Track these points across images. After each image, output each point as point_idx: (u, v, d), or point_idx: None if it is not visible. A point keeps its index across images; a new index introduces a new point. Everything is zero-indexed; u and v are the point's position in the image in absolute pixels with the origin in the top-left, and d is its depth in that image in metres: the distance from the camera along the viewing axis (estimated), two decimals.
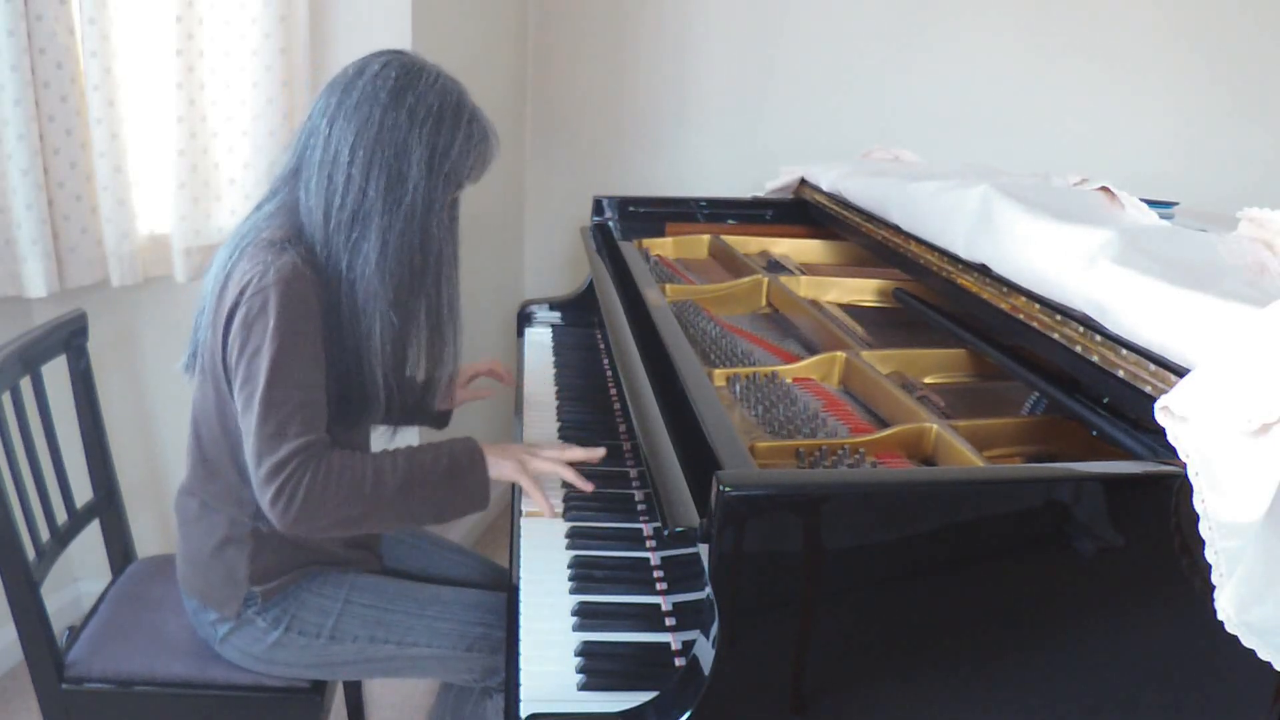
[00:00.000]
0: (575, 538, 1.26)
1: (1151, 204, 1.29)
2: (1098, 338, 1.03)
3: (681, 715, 0.84)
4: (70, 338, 1.49)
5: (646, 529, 1.29)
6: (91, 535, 1.57)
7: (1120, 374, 0.99)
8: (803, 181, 2.21)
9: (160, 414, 2.19)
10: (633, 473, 1.44)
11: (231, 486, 1.25)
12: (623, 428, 1.56)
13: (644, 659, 1.03)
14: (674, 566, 1.17)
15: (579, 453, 1.25)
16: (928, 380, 1.35)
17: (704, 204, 2.18)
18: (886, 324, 1.60)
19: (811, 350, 1.44)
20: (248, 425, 1.11)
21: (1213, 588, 0.81)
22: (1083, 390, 1.09)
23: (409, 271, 1.20)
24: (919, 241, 1.51)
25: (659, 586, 1.17)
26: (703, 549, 0.87)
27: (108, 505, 1.57)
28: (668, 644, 1.06)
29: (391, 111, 1.14)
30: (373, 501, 1.12)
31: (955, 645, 0.89)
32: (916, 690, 0.89)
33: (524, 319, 2.07)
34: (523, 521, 1.31)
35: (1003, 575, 0.88)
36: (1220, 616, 0.80)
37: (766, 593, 0.84)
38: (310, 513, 1.09)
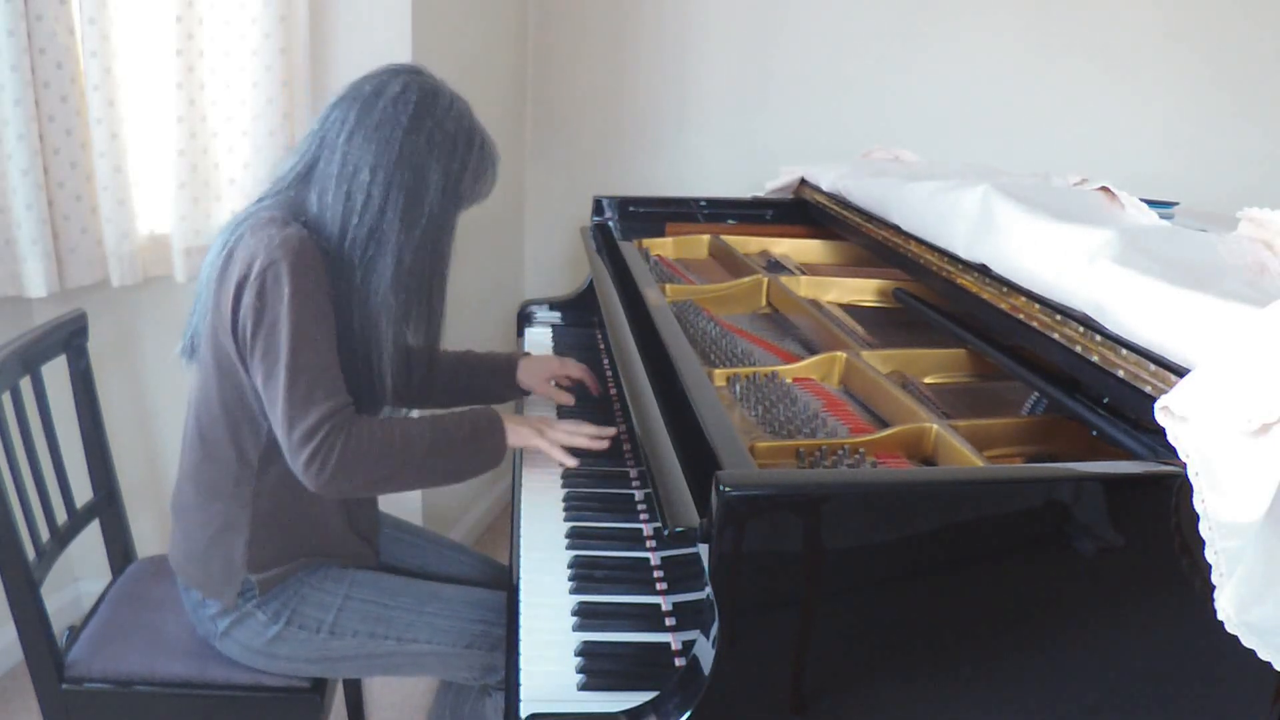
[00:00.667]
0: (575, 538, 1.26)
1: (1151, 204, 1.29)
2: (1098, 338, 1.03)
3: (681, 715, 0.84)
4: (70, 338, 1.49)
5: (646, 529, 1.29)
6: (91, 535, 1.57)
7: (1120, 374, 0.99)
8: (803, 181, 2.21)
9: (160, 414, 2.19)
10: (633, 473, 1.44)
11: (229, 470, 1.25)
12: (623, 427, 1.56)
13: (644, 659, 1.03)
14: (674, 566, 1.17)
15: (591, 429, 1.34)
16: (928, 380, 1.35)
17: (704, 204, 2.18)
18: (886, 324, 1.60)
19: (811, 350, 1.44)
20: (273, 394, 1.14)
21: (1213, 588, 0.81)
22: (1083, 390, 1.09)
23: (418, 286, 1.26)
24: (919, 241, 1.51)
25: (659, 586, 1.17)
26: (703, 549, 0.87)
27: (108, 505, 1.57)
28: (668, 644, 1.06)
29: (411, 136, 1.19)
30: (401, 462, 1.18)
31: (955, 645, 0.89)
32: (916, 690, 0.89)
33: (524, 319, 2.08)
34: (523, 513, 1.31)
35: (1003, 575, 0.88)
36: (1220, 616, 0.80)
37: (766, 593, 0.84)
38: (344, 474, 1.14)
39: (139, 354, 2.13)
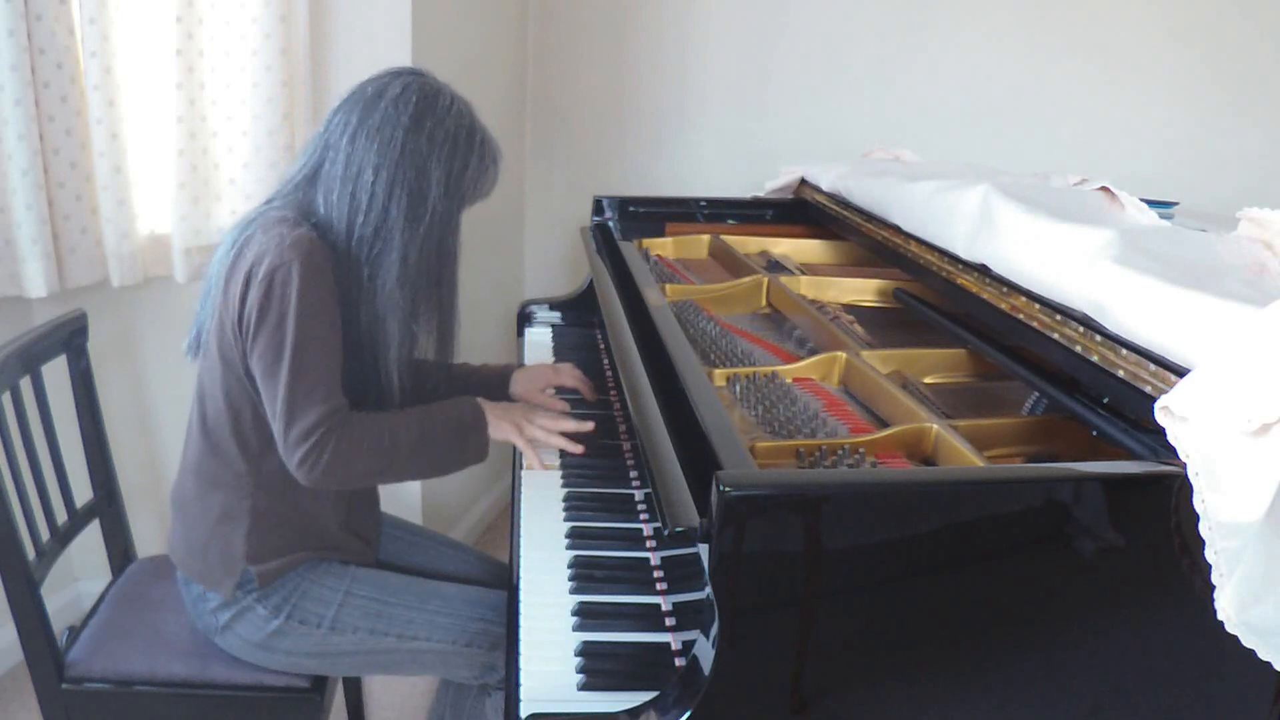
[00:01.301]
0: (575, 538, 1.26)
1: (1151, 204, 1.30)
2: (1098, 338, 1.03)
3: (681, 715, 0.84)
4: (70, 338, 1.49)
5: (646, 529, 1.29)
6: (91, 535, 1.57)
7: (1120, 374, 0.99)
8: (803, 181, 2.21)
9: (160, 414, 2.19)
10: (633, 473, 1.44)
11: (231, 461, 1.26)
12: (623, 428, 1.56)
13: (644, 659, 1.03)
14: (674, 566, 1.17)
15: (570, 424, 1.38)
16: (928, 380, 1.35)
17: (704, 204, 2.18)
18: (886, 324, 1.60)
19: (811, 350, 1.44)
20: (273, 390, 1.16)
21: (1213, 588, 0.81)
22: (1083, 390, 1.09)
23: (425, 282, 1.27)
24: (919, 241, 1.51)
25: (659, 586, 1.17)
26: (703, 549, 0.87)
27: (108, 505, 1.57)
28: (668, 644, 1.06)
29: (413, 135, 1.21)
30: (389, 459, 1.22)
31: (955, 645, 0.89)
32: (916, 690, 0.89)
33: (524, 319, 2.08)
34: (523, 512, 1.32)
35: (1003, 575, 0.88)
36: (1220, 616, 0.80)
37: (766, 593, 0.84)
38: (334, 472, 1.18)
39: (139, 354, 2.13)
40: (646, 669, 1.01)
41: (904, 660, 0.88)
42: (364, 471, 1.22)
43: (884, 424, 1.19)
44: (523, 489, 1.40)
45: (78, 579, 2.20)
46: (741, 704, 0.86)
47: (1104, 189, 1.35)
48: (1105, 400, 1.04)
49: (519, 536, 1.28)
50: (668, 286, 1.66)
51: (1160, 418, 0.86)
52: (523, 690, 0.98)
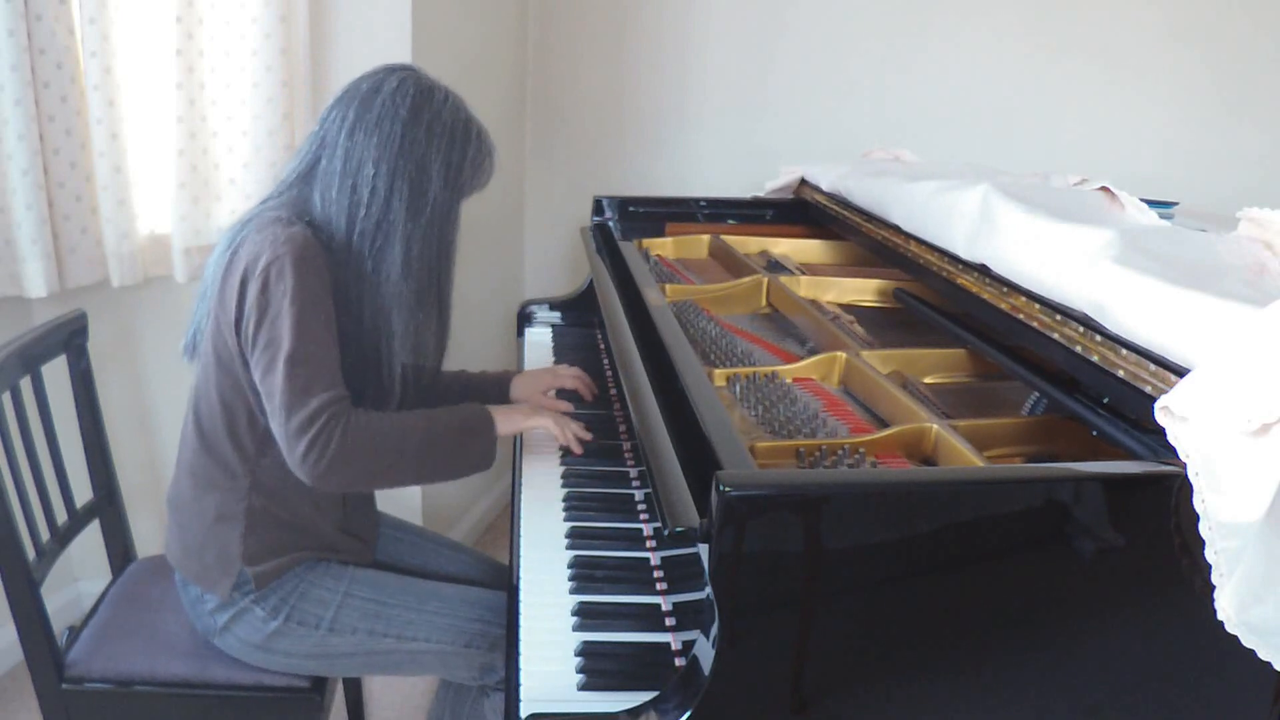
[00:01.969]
0: (575, 538, 1.26)
1: (1151, 204, 1.30)
2: (1098, 338, 1.03)
3: (681, 715, 0.84)
4: (70, 338, 1.49)
5: (646, 529, 1.29)
6: (91, 535, 1.57)
7: (1120, 374, 0.99)
8: (803, 181, 2.21)
9: (160, 414, 2.19)
10: (633, 473, 1.44)
11: (226, 463, 1.26)
12: (623, 428, 1.56)
13: (644, 659, 1.03)
14: (674, 566, 1.17)
15: (576, 427, 1.40)
16: (928, 380, 1.35)
17: (704, 204, 2.18)
18: (886, 324, 1.60)
19: (811, 350, 1.44)
20: (271, 385, 1.15)
21: (1213, 588, 0.81)
22: (1083, 390, 1.09)
23: (427, 274, 1.28)
24: (919, 241, 1.51)
25: (659, 586, 1.17)
26: (703, 549, 0.87)
27: (108, 505, 1.57)
28: (668, 644, 1.06)
29: (412, 128, 1.22)
30: (395, 457, 1.20)
31: (955, 645, 0.89)
32: (916, 690, 0.89)
33: (524, 319, 2.08)
34: (523, 513, 1.32)
35: (1003, 575, 0.88)
36: (1220, 616, 0.80)
37: (766, 593, 0.84)
38: (339, 467, 1.15)
39: (139, 354, 2.13)
40: (646, 669, 1.01)
41: (904, 660, 0.88)
42: (368, 471, 1.20)
43: (884, 424, 1.19)
44: (523, 489, 1.40)
45: (78, 579, 2.20)
46: (741, 704, 0.86)
47: (1104, 189, 1.35)
48: (1105, 400, 1.04)
49: (519, 536, 1.28)
50: (668, 286, 1.66)
51: (1160, 418, 0.86)
52: (523, 690, 0.98)
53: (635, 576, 1.19)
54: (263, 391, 1.18)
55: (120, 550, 1.59)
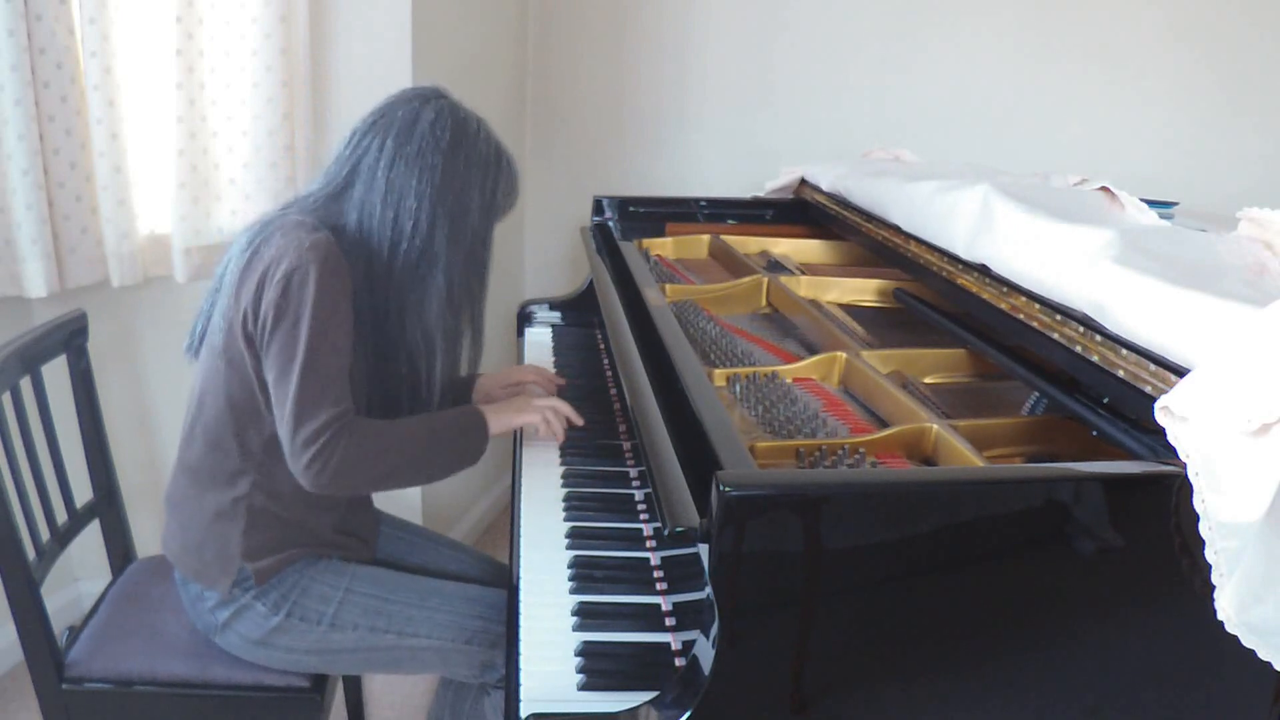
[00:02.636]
0: (575, 538, 1.26)
1: (1151, 204, 1.30)
2: (1098, 338, 1.03)
3: (681, 715, 0.84)
4: (70, 338, 1.49)
5: (646, 529, 1.29)
6: (91, 535, 1.57)
7: (1120, 374, 0.99)
8: (803, 181, 2.21)
9: (160, 414, 2.19)
10: (633, 473, 1.44)
11: (229, 461, 1.27)
12: (623, 428, 1.56)
13: (644, 659, 1.03)
14: (674, 566, 1.17)
15: (565, 407, 1.42)
16: (928, 380, 1.35)
17: (704, 204, 2.18)
18: (886, 324, 1.60)
19: (811, 350, 1.44)
20: (283, 393, 1.17)
21: (1213, 588, 0.81)
22: (1083, 390, 1.09)
23: (466, 298, 1.34)
24: (919, 241, 1.51)
25: (659, 586, 1.17)
26: (703, 549, 0.87)
27: (108, 505, 1.57)
28: (668, 644, 1.06)
29: (451, 161, 1.26)
30: (394, 464, 1.24)
31: (955, 645, 0.89)
32: (916, 690, 0.89)
33: (524, 319, 2.08)
34: (523, 512, 1.32)
35: (1003, 575, 0.88)
36: (1220, 616, 0.80)
37: (766, 593, 0.84)
38: (340, 477, 1.19)
39: (139, 354, 2.13)
40: (646, 669, 1.01)
41: (904, 660, 0.88)
42: (368, 478, 1.23)
43: (884, 424, 1.19)
44: (523, 490, 1.40)
45: (78, 579, 2.20)
46: (741, 704, 0.86)
47: (1104, 189, 1.35)
48: (1105, 400, 1.04)
49: (519, 536, 1.28)
50: (668, 286, 1.66)
51: (1160, 418, 0.86)
52: (523, 690, 0.98)
53: (635, 576, 1.19)
54: (273, 396, 1.20)
55: (120, 550, 1.59)
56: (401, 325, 1.28)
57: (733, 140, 2.76)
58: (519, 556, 1.23)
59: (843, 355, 1.34)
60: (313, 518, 1.32)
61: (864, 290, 1.72)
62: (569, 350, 1.93)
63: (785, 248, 2.01)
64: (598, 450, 1.48)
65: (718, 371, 1.30)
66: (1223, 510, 0.80)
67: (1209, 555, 0.80)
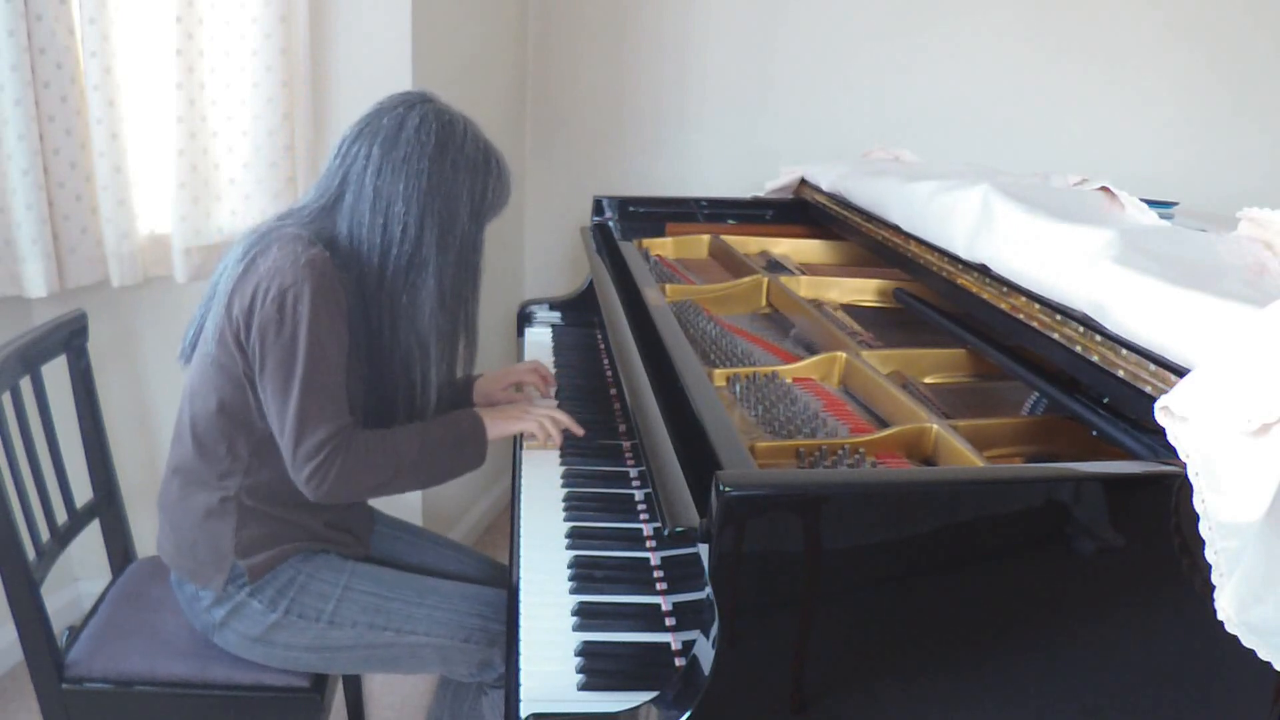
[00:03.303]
0: (575, 538, 1.26)
1: (1151, 204, 1.30)
2: (1098, 338, 1.03)
3: (681, 715, 0.84)
4: (70, 338, 1.49)
5: (646, 529, 1.29)
6: (91, 535, 1.57)
7: (1120, 374, 0.99)
8: (803, 181, 2.21)
9: (160, 414, 2.19)
10: (633, 473, 1.44)
11: (219, 463, 1.28)
12: (623, 428, 1.56)
13: (644, 659, 1.03)
14: (674, 566, 1.17)
15: (564, 417, 1.42)
16: (928, 380, 1.35)
17: (704, 204, 2.18)
18: (886, 324, 1.60)
19: (811, 350, 1.44)
20: (282, 408, 1.19)
21: (1213, 588, 0.81)
22: (1083, 390, 1.09)
23: (458, 301, 1.33)
24: (919, 241, 1.51)
25: (659, 586, 1.17)
26: (703, 549, 0.87)
27: (108, 505, 1.57)
28: (668, 644, 1.06)
29: (438, 165, 1.26)
30: (392, 473, 1.26)
31: (955, 645, 0.89)
32: (916, 690, 0.89)
33: (524, 319, 2.08)
34: (523, 513, 1.32)
35: (1002, 575, 0.88)
36: (1220, 616, 0.80)
37: (766, 593, 0.84)
38: (341, 488, 1.21)
39: (139, 354, 2.13)
40: (646, 669, 1.01)
41: (904, 660, 0.88)
42: (368, 486, 1.24)
43: (884, 424, 1.19)
44: (523, 490, 1.40)
45: (78, 579, 2.20)
46: (741, 704, 0.86)
47: (1104, 189, 1.35)
48: (1105, 400, 1.04)
49: (519, 536, 1.28)
50: (668, 286, 1.66)
51: (1160, 418, 0.86)
52: (523, 690, 0.98)
53: (635, 576, 1.19)
54: (271, 410, 1.21)
55: (120, 550, 1.59)
56: (395, 331, 1.29)
57: (733, 140, 2.76)
58: (519, 556, 1.23)
59: (843, 355, 1.34)
60: (303, 515, 1.32)
61: (864, 290, 1.72)
62: (569, 350, 1.93)
63: (785, 248, 2.01)
64: (598, 450, 1.48)
65: (718, 371, 1.30)
66: (1223, 510, 0.80)
67: (1209, 555, 0.80)
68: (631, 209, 2.14)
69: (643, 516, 1.32)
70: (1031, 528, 0.87)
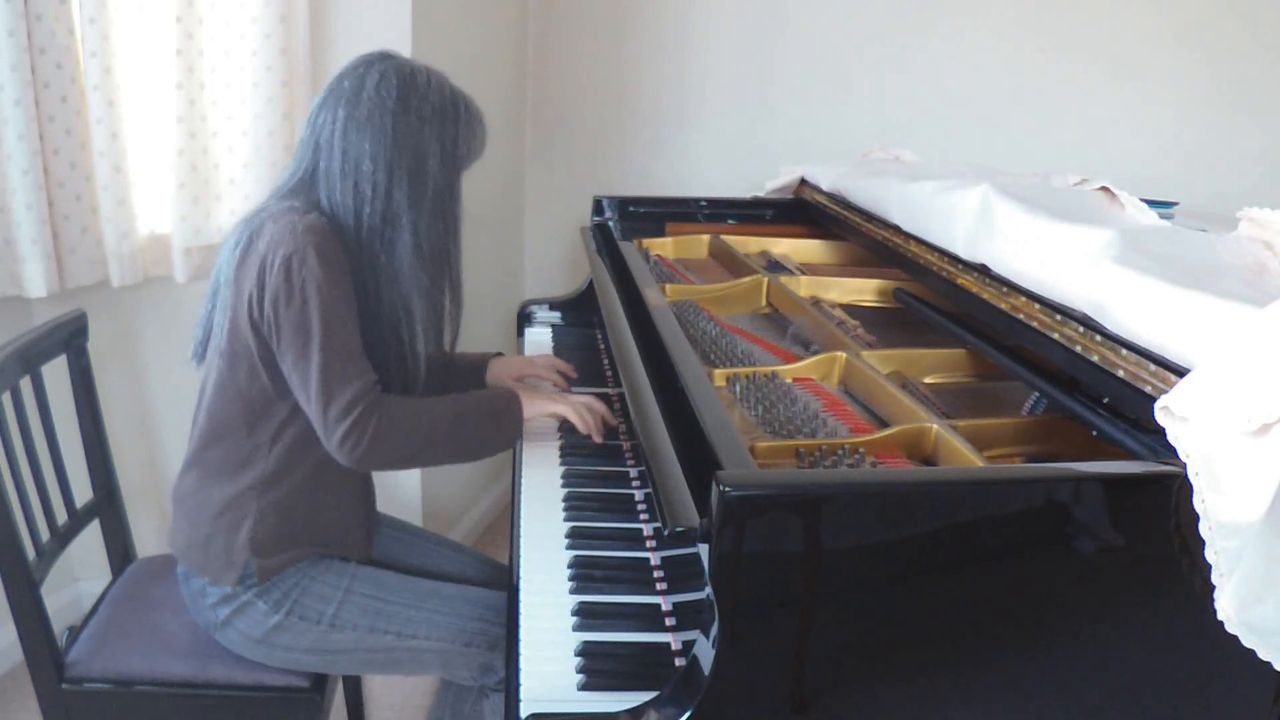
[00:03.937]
0: (575, 538, 1.26)
1: (1151, 204, 1.29)
2: (1098, 338, 1.03)
3: (681, 715, 0.84)
4: (70, 338, 1.49)
5: (646, 529, 1.29)
6: (91, 535, 1.57)
7: (1120, 374, 0.99)
8: (803, 181, 2.21)
9: (160, 414, 2.19)
10: (633, 473, 1.44)
11: (238, 451, 1.27)
12: (623, 428, 1.56)
13: (644, 659, 1.03)
14: (674, 566, 1.17)
15: (601, 406, 1.43)
16: (928, 380, 1.35)
17: (704, 204, 2.18)
18: (886, 324, 1.60)
19: (811, 350, 1.44)
20: (305, 374, 1.18)
21: (1213, 588, 0.81)
22: (1083, 390, 1.09)
23: (437, 255, 1.31)
24: (919, 241, 1.51)
25: (659, 586, 1.17)
26: (703, 549, 0.87)
27: (108, 505, 1.57)
28: (668, 644, 1.06)
29: (402, 118, 1.24)
30: (427, 440, 1.25)
31: (955, 645, 0.89)
32: (916, 690, 0.89)
33: (524, 319, 2.08)
34: (523, 513, 1.32)
35: (1002, 575, 0.88)
36: (1220, 616, 0.80)
37: (766, 593, 0.84)
38: (376, 450, 1.21)
39: (139, 354, 2.13)
40: (646, 669, 1.01)
41: (904, 660, 0.88)
42: (404, 452, 1.24)
43: (884, 424, 1.19)
44: (523, 489, 1.40)
45: (78, 579, 2.20)
46: (741, 704, 0.86)
47: (1104, 189, 1.35)
48: (1105, 400, 1.04)
49: (519, 536, 1.28)
50: (668, 286, 1.66)
51: (1160, 418, 0.86)
52: (523, 690, 0.98)
53: (635, 576, 1.19)
54: (294, 379, 1.20)
55: (120, 550, 1.59)
56: (379, 295, 1.27)
57: (733, 140, 2.76)
58: (519, 556, 1.23)
59: (843, 355, 1.34)
60: (318, 513, 1.32)
61: (864, 290, 1.72)
62: (569, 350, 1.93)
63: (785, 248, 2.01)
64: (598, 450, 1.48)
65: (718, 371, 1.30)
66: (1223, 510, 0.80)
67: (1209, 555, 0.80)
68: (631, 209, 2.14)
69: (643, 516, 1.32)
70: (1031, 528, 0.87)
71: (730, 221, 2.17)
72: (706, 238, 2.07)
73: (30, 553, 1.32)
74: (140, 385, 2.16)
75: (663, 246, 2.05)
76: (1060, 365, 1.10)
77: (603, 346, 1.91)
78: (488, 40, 2.50)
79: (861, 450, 1.08)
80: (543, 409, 1.38)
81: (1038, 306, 1.15)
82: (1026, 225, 1.21)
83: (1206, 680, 0.92)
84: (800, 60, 2.68)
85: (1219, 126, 2.56)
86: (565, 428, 1.55)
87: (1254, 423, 0.77)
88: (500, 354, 1.64)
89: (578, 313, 2.07)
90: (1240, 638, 0.80)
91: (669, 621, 1.10)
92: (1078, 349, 1.06)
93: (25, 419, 1.41)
